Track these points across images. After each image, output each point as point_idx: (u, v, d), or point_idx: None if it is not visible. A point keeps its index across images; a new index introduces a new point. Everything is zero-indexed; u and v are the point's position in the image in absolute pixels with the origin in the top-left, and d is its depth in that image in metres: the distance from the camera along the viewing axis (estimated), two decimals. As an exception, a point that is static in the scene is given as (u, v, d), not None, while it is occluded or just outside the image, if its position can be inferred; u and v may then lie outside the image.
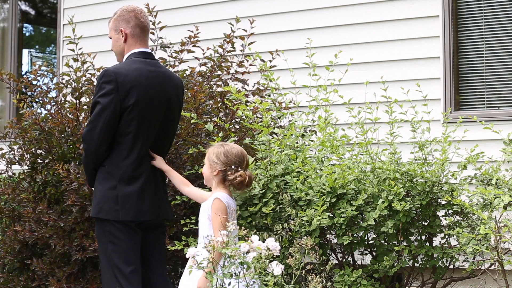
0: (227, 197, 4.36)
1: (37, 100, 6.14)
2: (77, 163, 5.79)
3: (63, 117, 5.91)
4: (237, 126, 5.96)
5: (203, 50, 6.42)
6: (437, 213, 5.15)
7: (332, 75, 5.90)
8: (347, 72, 6.06)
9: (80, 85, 6.03)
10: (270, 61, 6.37)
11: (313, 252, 3.92)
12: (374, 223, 4.91)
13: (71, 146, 5.89)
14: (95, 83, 6.04)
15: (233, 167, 4.37)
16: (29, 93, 6.21)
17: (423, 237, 5.19)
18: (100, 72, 4.61)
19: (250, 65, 6.50)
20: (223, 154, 4.39)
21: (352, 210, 4.92)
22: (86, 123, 5.85)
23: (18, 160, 6.10)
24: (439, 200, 5.14)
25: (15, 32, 9.64)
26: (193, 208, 5.64)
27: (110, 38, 4.80)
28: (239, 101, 5.70)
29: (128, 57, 4.69)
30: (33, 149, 6.01)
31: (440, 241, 5.22)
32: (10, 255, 6.02)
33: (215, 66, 6.23)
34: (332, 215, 5.01)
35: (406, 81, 6.57)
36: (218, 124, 5.70)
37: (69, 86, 6.15)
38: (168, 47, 6.28)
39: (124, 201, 4.47)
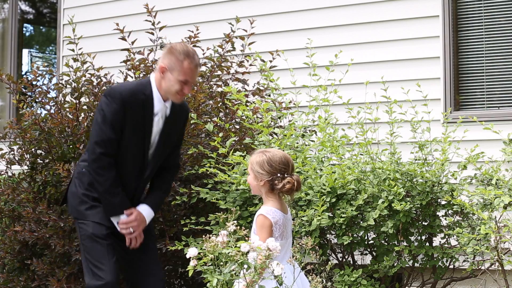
0: (273, 211, 4.19)
1: (37, 100, 6.14)
2: (77, 163, 5.80)
3: (63, 117, 5.91)
4: (237, 126, 5.96)
5: (203, 50, 6.42)
6: (437, 213, 5.15)
7: (332, 75, 5.90)
8: (347, 72, 6.06)
9: (80, 85, 6.04)
10: (270, 61, 6.37)
11: (313, 252, 3.91)
12: (374, 223, 4.91)
13: (71, 146, 5.89)
14: (95, 83, 6.06)
15: (279, 175, 4.20)
16: (29, 93, 6.21)
17: (423, 237, 5.19)
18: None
19: (250, 65, 6.50)
20: (266, 163, 4.20)
21: (352, 210, 4.92)
22: (85, 123, 5.85)
23: (18, 160, 6.10)
24: (439, 200, 5.14)
25: (15, 32, 9.64)
26: (193, 208, 5.64)
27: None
28: (239, 101, 5.70)
29: None
30: (33, 149, 6.01)
31: (440, 241, 5.22)
32: (10, 255, 6.02)
33: (215, 66, 6.23)
34: (332, 215, 5.02)
35: (406, 81, 6.57)
36: (218, 124, 5.71)
37: (68, 86, 6.16)
38: (168, 47, 6.28)
39: None
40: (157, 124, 4.58)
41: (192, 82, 4.53)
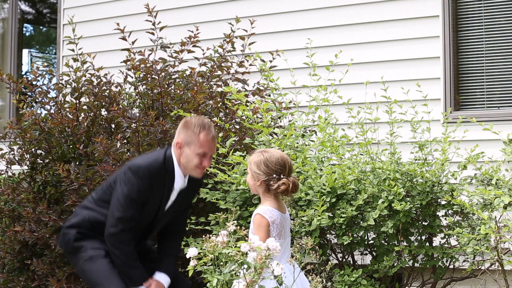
0: (271, 211, 4.22)
1: (37, 100, 6.15)
2: (77, 163, 5.79)
3: (63, 117, 5.91)
4: (237, 126, 5.96)
5: (203, 50, 6.42)
6: (437, 213, 5.15)
7: (332, 75, 5.90)
8: (347, 72, 6.06)
9: (80, 85, 6.04)
10: (270, 61, 6.37)
11: (313, 252, 3.91)
12: (374, 223, 4.91)
13: (71, 146, 5.89)
14: (95, 83, 6.06)
15: (274, 176, 4.24)
16: (29, 93, 6.21)
17: (423, 237, 5.19)
18: None
19: (250, 65, 6.50)
20: (263, 163, 4.24)
21: (352, 210, 4.92)
22: (85, 123, 5.85)
23: (18, 160, 6.10)
24: (439, 200, 5.14)
25: (15, 32, 9.64)
26: (193, 208, 5.64)
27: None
28: (239, 101, 5.70)
29: None
30: (33, 149, 6.01)
31: (440, 241, 5.22)
32: (10, 255, 6.02)
33: (215, 66, 6.23)
34: (332, 215, 5.01)
35: (406, 81, 6.57)
36: (218, 124, 5.70)
37: (68, 86, 6.16)
38: (168, 47, 6.28)
39: None
40: (173, 196, 4.58)
41: (211, 154, 4.45)
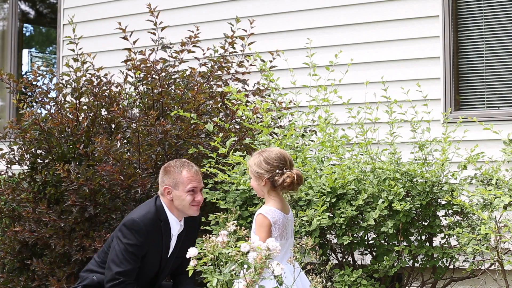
0: (273, 211, 4.22)
1: (37, 100, 6.14)
2: (77, 163, 5.79)
3: (63, 117, 5.91)
4: (237, 126, 5.97)
5: (203, 50, 6.42)
6: (437, 213, 5.15)
7: (332, 75, 5.90)
8: (347, 72, 6.06)
9: (80, 85, 6.04)
10: (270, 61, 6.37)
11: (313, 252, 3.91)
12: (374, 223, 4.91)
13: (71, 146, 5.89)
14: (95, 83, 6.07)
15: (277, 171, 4.22)
16: (29, 93, 6.21)
17: (423, 237, 5.19)
18: None
19: (251, 65, 6.50)
20: (263, 161, 4.24)
21: (352, 210, 4.92)
22: (85, 123, 5.86)
23: (18, 160, 6.10)
24: (439, 200, 5.14)
25: (15, 32, 9.64)
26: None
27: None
28: (239, 101, 5.70)
29: None
30: (33, 149, 6.00)
31: (440, 241, 5.22)
32: (10, 255, 6.02)
33: (216, 66, 6.23)
34: (332, 215, 5.01)
35: (406, 81, 6.57)
36: (218, 124, 5.71)
37: (68, 86, 6.16)
38: (169, 47, 6.28)
39: None
40: (173, 242, 4.64)
41: (200, 188, 4.54)
